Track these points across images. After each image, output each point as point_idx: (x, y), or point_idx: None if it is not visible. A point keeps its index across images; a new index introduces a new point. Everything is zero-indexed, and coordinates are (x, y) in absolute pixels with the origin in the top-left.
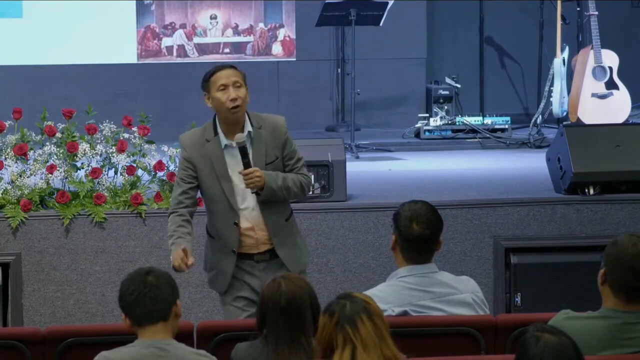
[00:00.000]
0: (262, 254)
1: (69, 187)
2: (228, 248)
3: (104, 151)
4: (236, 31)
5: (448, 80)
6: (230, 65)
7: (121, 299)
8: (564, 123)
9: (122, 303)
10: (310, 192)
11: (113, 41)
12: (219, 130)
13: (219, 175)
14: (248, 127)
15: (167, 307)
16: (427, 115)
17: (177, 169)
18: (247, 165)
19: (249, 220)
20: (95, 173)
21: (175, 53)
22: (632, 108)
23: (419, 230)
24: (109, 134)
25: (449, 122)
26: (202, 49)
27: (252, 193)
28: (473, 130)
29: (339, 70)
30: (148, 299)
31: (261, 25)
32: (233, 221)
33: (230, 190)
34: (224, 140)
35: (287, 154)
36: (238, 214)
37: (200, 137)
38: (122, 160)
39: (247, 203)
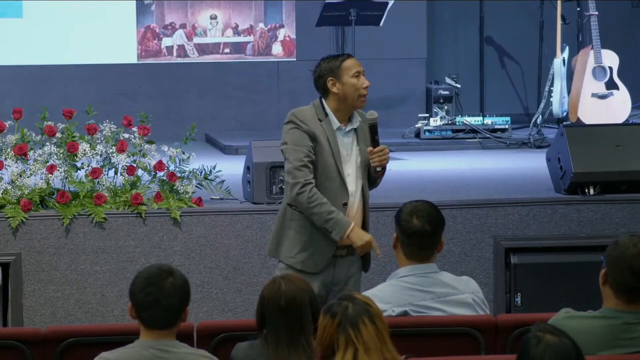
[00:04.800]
0: (341, 248)
1: (69, 187)
2: None
3: (104, 151)
4: (236, 31)
5: (448, 80)
6: (352, 55)
7: (134, 292)
8: (564, 123)
9: (134, 297)
10: None
11: (113, 41)
12: (329, 112)
13: (334, 153)
14: (357, 118)
15: (176, 316)
16: (427, 115)
17: (287, 145)
18: (376, 143)
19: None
20: (95, 173)
21: (175, 53)
22: (632, 108)
23: (419, 225)
24: (109, 134)
25: (449, 122)
26: (202, 49)
27: (377, 171)
28: (473, 130)
29: None
30: (160, 306)
31: (261, 25)
32: (343, 201)
33: (342, 169)
34: (335, 123)
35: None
36: (348, 194)
37: (314, 115)
38: (122, 160)
39: (351, 187)
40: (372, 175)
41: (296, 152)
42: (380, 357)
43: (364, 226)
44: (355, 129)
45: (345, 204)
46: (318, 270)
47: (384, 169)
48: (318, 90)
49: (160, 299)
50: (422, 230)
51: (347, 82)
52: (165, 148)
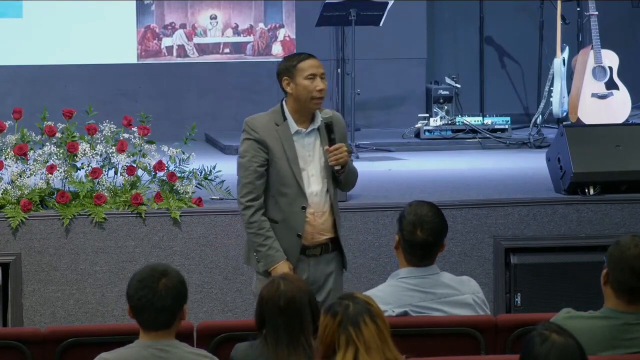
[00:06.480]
0: (313, 248)
1: (69, 187)
2: (293, 232)
3: (104, 151)
4: (236, 31)
5: (448, 80)
6: (315, 56)
7: (129, 295)
8: (564, 123)
9: (129, 300)
10: None
11: (113, 41)
12: (288, 115)
13: (290, 158)
14: (319, 118)
15: (172, 316)
16: (427, 115)
17: (239, 158)
18: (333, 141)
19: (311, 206)
20: (95, 173)
21: (175, 53)
22: (632, 108)
23: (422, 237)
24: (109, 134)
25: (449, 122)
26: (202, 49)
27: (336, 169)
28: (473, 130)
29: (339, 70)
30: (155, 309)
31: (261, 25)
32: (301, 205)
33: (300, 174)
34: (293, 126)
35: (346, 148)
36: (307, 198)
37: (269, 121)
38: (122, 160)
39: (312, 188)
40: (335, 175)
41: (244, 169)
42: (381, 356)
43: (335, 225)
44: (318, 129)
45: (304, 208)
46: None
47: (343, 167)
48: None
49: (154, 301)
50: (425, 242)
51: (300, 84)
52: (165, 148)
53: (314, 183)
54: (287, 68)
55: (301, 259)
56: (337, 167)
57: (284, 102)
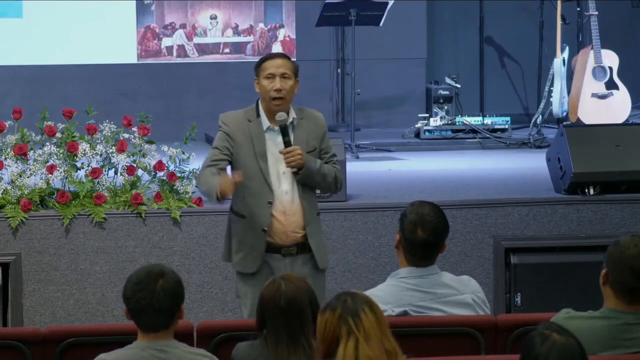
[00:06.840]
0: (289, 247)
1: (69, 187)
2: (258, 227)
3: (104, 151)
4: (236, 31)
5: (448, 80)
6: (284, 55)
7: (127, 297)
8: (564, 123)
9: (127, 302)
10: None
11: (113, 41)
12: (261, 113)
13: (258, 153)
14: (292, 115)
15: (171, 317)
16: (427, 115)
17: (211, 148)
18: (287, 144)
19: (282, 204)
20: (95, 173)
21: (175, 53)
22: (632, 108)
23: (423, 236)
24: (109, 134)
25: (449, 122)
26: (202, 49)
27: (292, 172)
28: (473, 130)
29: (339, 70)
30: (153, 310)
31: (261, 25)
32: (267, 200)
33: (267, 170)
34: (265, 123)
35: (324, 147)
36: (273, 193)
37: (243, 117)
38: (122, 160)
39: (283, 186)
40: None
41: (209, 154)
42: (380, 346)
43: (306, 224)
44: (292, 127)
45: (270, 203)
46: (255, 270)
47: (300, 169)
48: None
49: (152, 303)
50: (425, 242)
51: (261, 83)
52: (165, 148)
53: (285, 181)
54: (255, 67)
55: (278, 258)
56: (292, 170)
57: (259, 101)
